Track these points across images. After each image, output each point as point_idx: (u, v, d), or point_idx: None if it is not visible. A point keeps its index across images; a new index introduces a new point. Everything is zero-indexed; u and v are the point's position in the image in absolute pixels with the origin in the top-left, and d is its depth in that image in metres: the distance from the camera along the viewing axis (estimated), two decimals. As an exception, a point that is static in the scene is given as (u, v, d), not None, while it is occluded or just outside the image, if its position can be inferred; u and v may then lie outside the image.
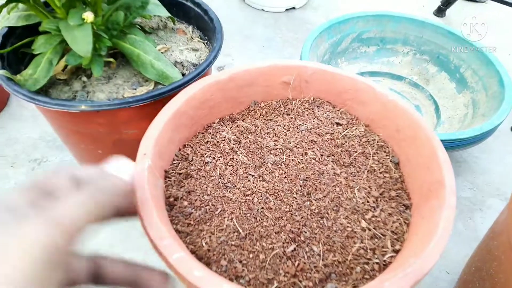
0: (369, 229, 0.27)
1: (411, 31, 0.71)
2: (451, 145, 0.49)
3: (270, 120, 0.37)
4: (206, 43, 0.51)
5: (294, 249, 0.26)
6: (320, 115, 0.37)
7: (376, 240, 0.27)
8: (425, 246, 0.24)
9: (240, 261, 0.25)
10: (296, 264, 0.25)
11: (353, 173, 0.32)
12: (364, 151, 0.34)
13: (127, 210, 0.21)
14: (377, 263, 0.26)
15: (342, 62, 0.71)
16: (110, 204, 0.19)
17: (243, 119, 0.37)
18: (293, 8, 0.98)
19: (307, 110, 0.38)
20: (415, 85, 0.69)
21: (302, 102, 0.39)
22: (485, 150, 0.63)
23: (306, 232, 0.27)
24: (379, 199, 0.30)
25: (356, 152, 0.33)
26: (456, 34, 0.66)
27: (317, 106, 0.38)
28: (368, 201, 0.30)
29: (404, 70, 0.71)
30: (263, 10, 0.96)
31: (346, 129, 0.35)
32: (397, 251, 0.27)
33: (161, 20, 0.53)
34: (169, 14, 0.49)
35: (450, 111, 0.64)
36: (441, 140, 0.48)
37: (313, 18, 0.96)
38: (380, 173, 0.32)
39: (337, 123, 0.36)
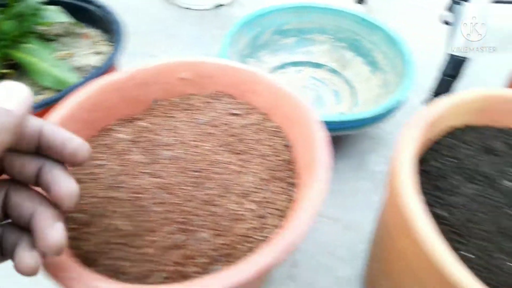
0: (257, 210, 0.29)
1: (328, 20, 0.74)
2: (357, 124, 0.52)
3: (170, 117, 0.37)
4: (113, 46, 0.50)
5: (184, 239, 0.27)
6: (219, 108, 0.38)
7: (262, 219, 0.29)
8: (297, 218, 0.26)
9: (126, 258, 0.25)
10: (184, 252, 0.26)
11: (246, 160, 0.33)
12: (259, 138, 0.35)
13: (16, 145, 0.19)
14: (261, 240, 0.27)
15: (264, 55, 0.73)
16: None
17: (143, 119, 0.37)
18: (221, 5, 0.98)
19: (208, 104, 0.39)
20: (333, 71, 0.73)
21: (203, 96, 0.40)
22: (399, 126, 0.68)
23: (196, 221, 0.28)
24: (269, 181, 0.32)
25: (251, 139, 0.35)
26: (368, 20, 0.70)
27: (218, 100, 0.39)
28: (259, 184, 0.31)
29: (323, 58, 0.74)
30: (189, 8, 0.95)
31: (243, 118, 0.37)
32: (280, 227, 0.28)
33: (65, 26, 0.52)
34: (69, 20, 0.48)
35: (366, 93, 0.68)
36: (348, 121, 0.51)
37: (240, 14, 0.97)
38: (272, 157, 0.34)
39: (235, 114, 0.37)
